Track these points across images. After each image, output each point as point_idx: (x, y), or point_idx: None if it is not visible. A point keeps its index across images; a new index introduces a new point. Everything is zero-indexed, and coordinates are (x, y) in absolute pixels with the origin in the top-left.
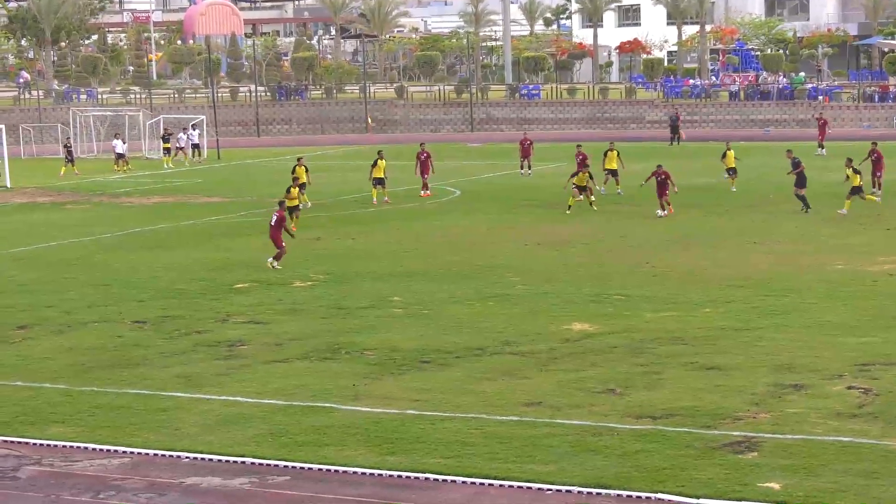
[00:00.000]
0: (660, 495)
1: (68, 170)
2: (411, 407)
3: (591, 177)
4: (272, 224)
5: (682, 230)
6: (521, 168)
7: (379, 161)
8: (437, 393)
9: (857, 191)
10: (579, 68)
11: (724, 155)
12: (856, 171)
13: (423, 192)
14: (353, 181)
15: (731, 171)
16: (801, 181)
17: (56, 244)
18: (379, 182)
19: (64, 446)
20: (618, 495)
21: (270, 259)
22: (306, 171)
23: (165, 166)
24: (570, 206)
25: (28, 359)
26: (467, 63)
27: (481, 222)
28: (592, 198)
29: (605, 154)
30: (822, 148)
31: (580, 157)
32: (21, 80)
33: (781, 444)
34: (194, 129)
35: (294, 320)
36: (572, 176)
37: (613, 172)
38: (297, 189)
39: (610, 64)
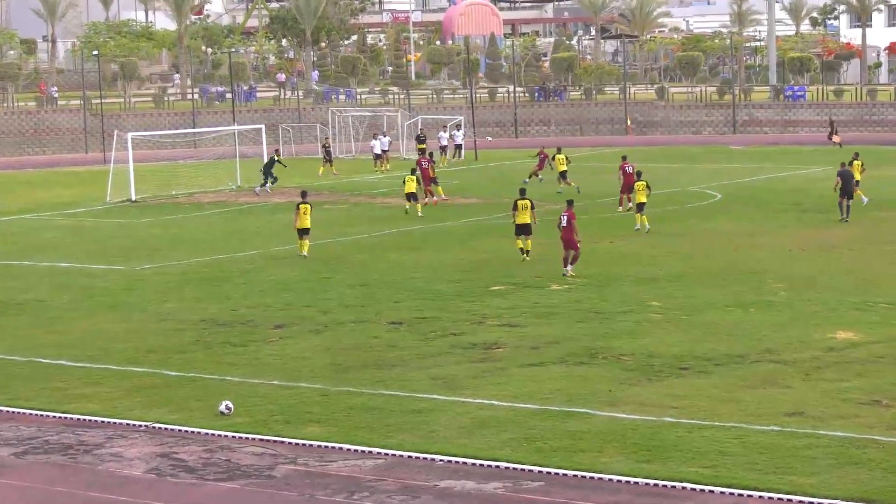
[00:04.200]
0: None
1: (327, 169)
2: (669, 414)
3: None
4: (563, 226)
5: None
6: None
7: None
8: (695, 400)
9: None
10: (846, 69)
11: None
12: None
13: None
14: (611, 183)
15: None
16: None
17: (313, 244)
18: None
19: (319, 446)
20: None
21: (569, 268)
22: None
23: None
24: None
25: (285, 358)
26: (730, 63)
27: (743, 226)
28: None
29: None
30: None
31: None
32: (280, 79)
33: None
34: (458, 130)
35: (550, 324)
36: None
37: None
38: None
39: (879, 65)
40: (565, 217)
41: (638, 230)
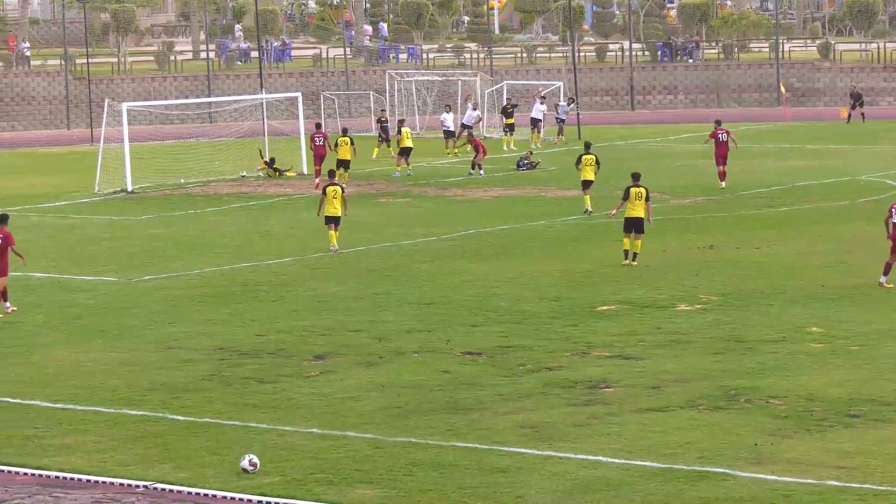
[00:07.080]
0: None
1: (382, 151)
2: (834, 476)
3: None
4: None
5: None
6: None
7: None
8: (869, 458)
9: None
10: None
11: None
12: None
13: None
14: (761, 172)
15: None
16: None
17: (364, 249)
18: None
19: None
20: None
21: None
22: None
23: (506, 148)
24: None
25: (328, 398)
26: None
27: None
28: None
29: None
30: None
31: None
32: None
33: None
34: (569, 104)
35: (676, 356)
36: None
37: None
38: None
39: None
40: None
41: (588, 213)
